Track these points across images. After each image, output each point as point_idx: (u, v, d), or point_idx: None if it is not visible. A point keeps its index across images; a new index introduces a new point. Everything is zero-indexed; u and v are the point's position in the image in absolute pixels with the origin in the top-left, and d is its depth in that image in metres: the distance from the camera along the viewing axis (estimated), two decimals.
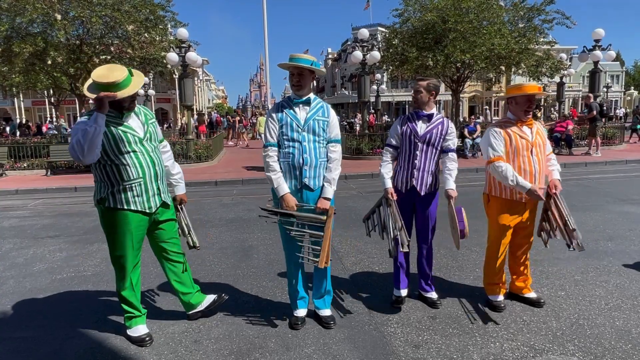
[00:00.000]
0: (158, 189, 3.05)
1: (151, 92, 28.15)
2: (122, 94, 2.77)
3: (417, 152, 3.38)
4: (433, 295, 3.59)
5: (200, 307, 3.38)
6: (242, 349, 2.99)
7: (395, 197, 3.36)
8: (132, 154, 2.89)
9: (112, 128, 2.83)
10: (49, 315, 3.61)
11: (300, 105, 3.14)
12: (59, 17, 12.21)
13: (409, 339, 3.05)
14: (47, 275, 4.58)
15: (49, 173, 12.83)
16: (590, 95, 15.00)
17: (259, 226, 6.35)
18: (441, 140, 3.40)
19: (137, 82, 2.90)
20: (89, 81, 2.86)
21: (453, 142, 3.45)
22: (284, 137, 3.11)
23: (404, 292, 3.57)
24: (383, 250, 4.80)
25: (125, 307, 3.13)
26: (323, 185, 3.15)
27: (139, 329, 3.13)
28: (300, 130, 3.10)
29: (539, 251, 4.57)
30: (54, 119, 32.93)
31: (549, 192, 3.36)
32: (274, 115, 3.15)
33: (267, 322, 3.35)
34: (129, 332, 3.14)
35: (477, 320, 3.30)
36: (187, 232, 3.47)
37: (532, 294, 3.55)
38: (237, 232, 6.13)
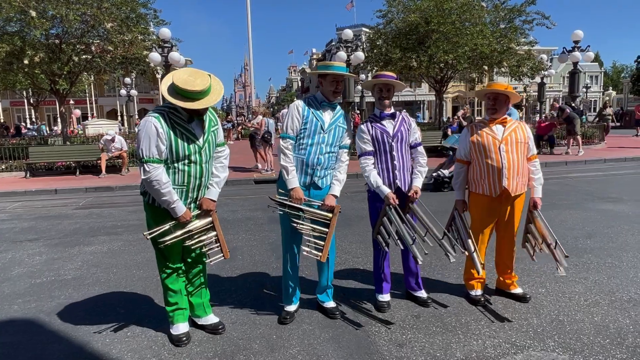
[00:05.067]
0: (196, 198, 3.02)
1: (133, 92, 27.77)
2: (203, 103, 2.75)
3: (394, 153, 3.37)
4: (423, 294, 3.61)
5: (197, 320, 3.29)
6: (227, 351, 2.97)
7: (397, 202, 3.30)
8: (186, 162, 2.86)
9: (178, 133, 2.79)
10: (29, 320, 3.54)
11: (328, 109, 3.27)
12: (33, 13, 11.95)
13: (393, 338, 3.07)
14: (26, 279, 4.49)
15: (28, 175, 12.56)
16: (555, 102, 15.56)
17: (243, 227, 6.32)
18: (408, 135, 3.45)
19: (218, 90, 2.86)
20: (168, 82, 2.79)
21: (418, 134, 3.54)
22: (305, 134, 3.20)
23: (388, 297, 3.58)
24: (368, 250, 4.82)
25: (168, 298, 3.11)
26: (332, 183, 3.31)
27: (179, 327, 3.12)
28: (322, 132, 3.21)
29: (520, 249, 4.64)
30: (35, 120, 32.36)
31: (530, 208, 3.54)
32: (300, 110, 3.22)
33: (252, 324, 3.34)
34: (171, 329, 3.14)
35: (459, 318, 3.34)
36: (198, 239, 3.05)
37: (518, 290, 3.62)
38: None
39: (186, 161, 2.86)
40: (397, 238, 3.26)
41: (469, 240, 3.47)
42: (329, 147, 3.25)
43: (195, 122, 2.89)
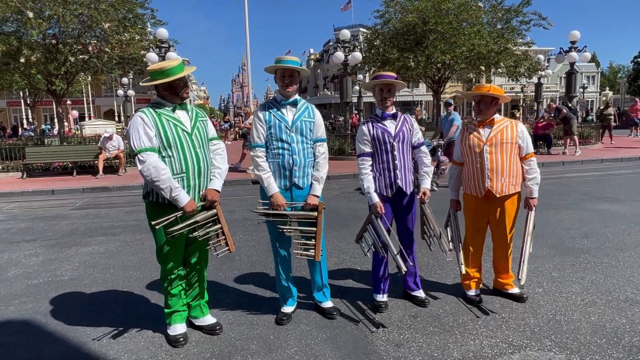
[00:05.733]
0: (199, 185, 3.02)
1: (131, 92, 27.61)
2: (176, 76, 2.87)
3: (396, 153, 3.37)
4: (420, 294, 3.60)
5: (195, 321, 3.29)
6: (224, 351, 2.97)
7: (383, 211, 3.33)
8: (179, 147, 2.90)
9: (164, 120, 2.88)
10: (25, 321, 3.53)
11: (288, 107, 3.22)
12: (30, 14, 11.92)
13: (391, 338, 3.07)
14: (22, 280, 4.47)
15: (24, 176, 12.51)
16: (552, 103, 15.79)
17: (241, 228, 6.32)
18: (411, 135, 3.46)
19: (189, 68, 3.04)
20: (147, 79, 3.01)
21: (420, 135, 3.55)
22: (273, 138, 3.18)
23: (385, 297, 3.58)
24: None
25: (167, 301, 3.12)
26: (312, 183, 3.25)
27: (177, 328, 3.11)
28: (288, 131, 3.17)
29: (517, 249, 4.64)
30: (32, 121, 32.31)
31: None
32: (260, 116, 3.20)
33: (249, 324, 3.34)
34: (168, 330, 3.12)
35: (457, 318, 3.34)
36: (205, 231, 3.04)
37: (515, 290, 3.63)
38: None
39: (178, 147, 2.90)
40: (381, 246, 3.29)
41: (458, 240, 3.56)
42: (301, 144, 3.20)
43: (179, 111, 2.99)
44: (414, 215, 3.54)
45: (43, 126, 29.97)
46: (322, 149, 3.31)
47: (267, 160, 3.20)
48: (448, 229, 3.73)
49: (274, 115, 3.18)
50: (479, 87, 3.45)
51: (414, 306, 3.55)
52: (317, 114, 3.33)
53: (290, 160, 3.16)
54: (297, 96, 3.26)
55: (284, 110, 3.20)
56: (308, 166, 3.24)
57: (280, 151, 3.17)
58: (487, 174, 3.38)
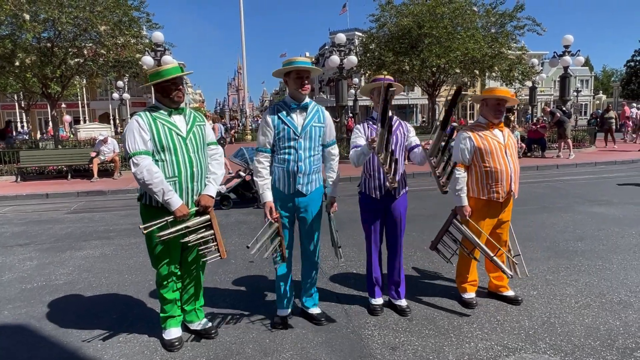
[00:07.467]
0: (192, 190, 3.01)
1: (126, 95, 27.51)
2: (165, 78, 2.90)
3: None
4: (402, 303, 3.53)
5: (190, 325, 3.28)
6: (219, 355, 2.96)
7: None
8: (172, 150, 2.91)
9: (159, 124, 2.90)
10: (19, 326, 3.51)
11: (298, 111, 3.12)
12: (27, 17, 11.88)
13: (386, 341, 3.07)
14: (16, 284, 4.45)
15: (18, 179, 12.45)
16: (546, 106, 16.07)
17: (236, 231, 6.31)
18: (405, 139, 3.43)
19: (186, 71, 3.08)
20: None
21: (415, 138, 3.48)
22: (280, 143, 3.11)
23: (380, 301, 3.57)
24: (361, 253, 4.82)
25: (162, 306, 3.11)
26: (327, 185, 3.30)
27: (172, 332, 3.10)
28: (297, 137, 3.09)
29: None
30: (26, 124, 32.14)
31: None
32: (269, 121, 3.10)
33: (245, 328, 3.33)
34: (163, 334, 3.11)
35: (452, 321, 3.35)
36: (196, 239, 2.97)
37: (510, 292, 3.65)
38: None
39: (172, 150, 2.91)
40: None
41: (484, 247, 3.39)
42: (308, 151, 3.13)
43: (175, 116, 3.00)
44: (402, 220, 3.47)
45: (29, 130, 29.67)
46: (334, 151, 3.32)
47: (272, 164, 3.15)
48: (443, 242, 3.64)
49: (282, 121, 3.08)
50: (502, 90, 3.48)
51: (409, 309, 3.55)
52: (328, 117, 3.28)
53: (295, 167, 3.10)
54: (307, 99, 3.18)
55: (293, 115, 3.10)
56: (313, 173, 3.18)
57: (286, 157, 3.10)
58: (512, 177, 3.41)
